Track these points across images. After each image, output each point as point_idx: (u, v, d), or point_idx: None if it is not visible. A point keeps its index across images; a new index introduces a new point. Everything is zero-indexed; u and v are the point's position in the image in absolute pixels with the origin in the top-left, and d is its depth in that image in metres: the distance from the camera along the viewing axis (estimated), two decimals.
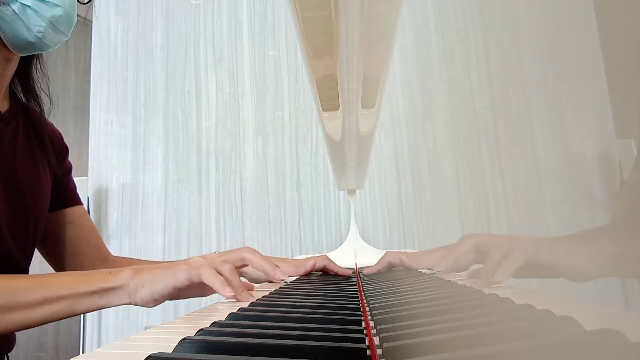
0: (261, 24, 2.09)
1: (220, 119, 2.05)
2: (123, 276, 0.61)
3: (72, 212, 0.88)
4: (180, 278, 0.62)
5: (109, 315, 1.97)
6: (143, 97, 2.11)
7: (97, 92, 2.16)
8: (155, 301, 0.62)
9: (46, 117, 0.87)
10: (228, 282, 0.62)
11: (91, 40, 2.15)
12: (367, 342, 0.32)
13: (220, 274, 0.62)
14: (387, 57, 0.56)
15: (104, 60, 2.16)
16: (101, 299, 0.60)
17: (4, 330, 0.56)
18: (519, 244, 0.59)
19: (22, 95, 0.84)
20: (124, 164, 2.08)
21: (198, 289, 0.66)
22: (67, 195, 0.89)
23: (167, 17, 2.14)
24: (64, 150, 0.90)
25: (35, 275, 0.63)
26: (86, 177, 2.06)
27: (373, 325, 0.39)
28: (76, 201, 0.91)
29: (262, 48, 2.07)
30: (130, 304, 0.61)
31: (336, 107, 0.69)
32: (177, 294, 0.64)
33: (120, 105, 2.13)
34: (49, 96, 0.86)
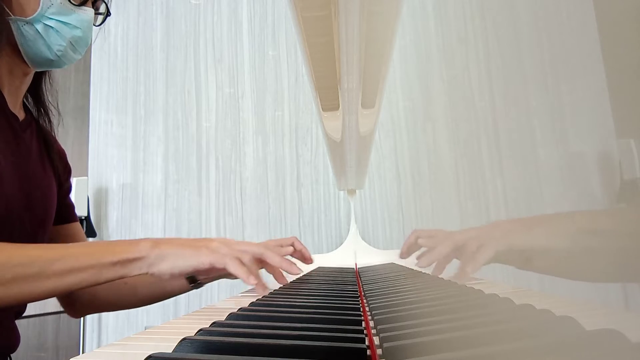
0: (261, 24, 2.09)
1: (220, 119, 2.05)
2: (143, 248, 0.64)
3: (71, 227, 0.92)
4: (203, 261, 0.65)
5: (109, 315, 1.97)
6: (143, 97, 2.11)
7: (97, 92, 2.16)
8: (172, 275, 0.65)
9: (56, 129, 0.91)
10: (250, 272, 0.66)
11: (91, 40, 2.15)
12: (367, 342, 0.32)
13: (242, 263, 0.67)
14: (387, 57, 0.56)
15: (104, 60, 2.16)
16: (123, 269, 0.63)
17: (35, 297, 0.59)
18: (490, 234, 0.61)
19: (34, 109, 0.88)
20: (124, 164, 2.08)
21: (212, 273, 0.70)
22: (68, 212, 0.92)
23: (167, 17, 2.14)
24: (68, 167, 0.94)
25: (62, 245, 0.67)
26: (86, 177, 2.06)
27: (373, 325, 0.39)
28: (74, 218, 0.94)
29: (262, 48, 2.07)
30: (146, 273, 0.64)
31: (336, 107, 0.69)
32: (193, 273, 0.68)
33: (120, 105, 2.12)
34: (57, 108, 0.90)
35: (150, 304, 0.91)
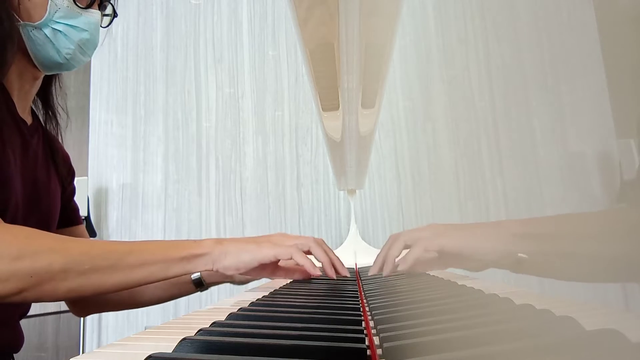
0: (261, 24, 2.09)
1: (220, 119, 2.05)
2: (207, 244, 0.67)
3: (75, 230, 0.94)
4: (267, 254, 0.67)
5: (109, 315, 1.97)
6: (143, 97, 2.11)
7: (97, 92, 2.16)
8: (237, 270, 0.67)
9: (63, 132, 0.92)
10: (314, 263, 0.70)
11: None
12: (367, 342, 0.32)
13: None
14: (387, 57, 0.56)
15: (104, 60, 2.16)
16: (188, 264, 0.65)
17: (108, 288, 0.61)
18: (422, 235, 0.66)
19: (42, 111, 0.89)
20: (124, 164, 2.08)
21: (271, 270, 0.72)
22: (72, 215, 0.94)
23: (167, 17, 2.14)
24: (72, 171, 0.95)
25: (132, 242, 0.69)
26: (86, 177, 2.06)
27: (373, 325, 0.39)
28: (79, 220, 0.96)
29: (262, 48, 2.07)
30: (211, 270, 0.67)
31: (336, 107, 0.70)
32: (253, 271, 0.68)
33: (120, 105, 2.12)
34: (65, 111, 0.92)
35: (155, 304, 0.93)
